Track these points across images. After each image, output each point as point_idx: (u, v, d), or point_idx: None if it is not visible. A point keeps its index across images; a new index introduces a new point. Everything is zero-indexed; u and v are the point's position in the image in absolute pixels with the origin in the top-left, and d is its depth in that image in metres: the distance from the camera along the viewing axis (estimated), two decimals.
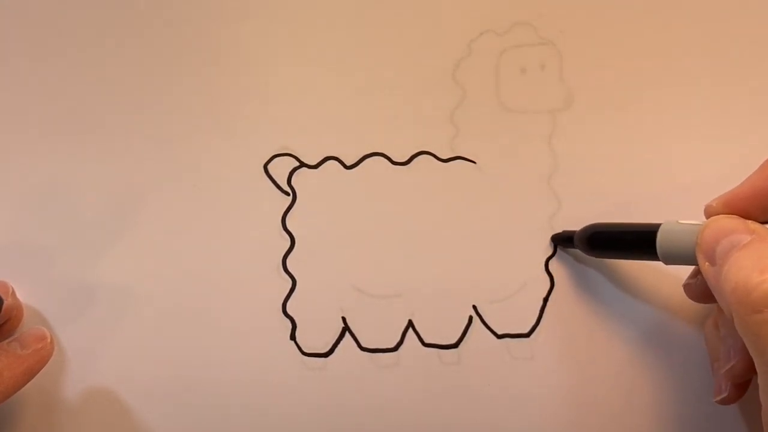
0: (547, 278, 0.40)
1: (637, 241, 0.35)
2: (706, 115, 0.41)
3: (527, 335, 0.40)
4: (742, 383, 0.37)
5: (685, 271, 0.38)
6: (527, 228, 0.41)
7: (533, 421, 0.40)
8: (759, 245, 0.29)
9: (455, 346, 0.40)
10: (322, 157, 0.41)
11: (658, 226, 0.34)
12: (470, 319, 0.40)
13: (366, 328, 0.40)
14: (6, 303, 0.38)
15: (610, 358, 0.40)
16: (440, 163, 0.41)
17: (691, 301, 0.38)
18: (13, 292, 0.39)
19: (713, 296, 0.33)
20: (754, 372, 0.34)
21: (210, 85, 0.41)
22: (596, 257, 0.39)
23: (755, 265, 0.28)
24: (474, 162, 0.41)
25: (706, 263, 0.31)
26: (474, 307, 0.40)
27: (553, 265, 0.40)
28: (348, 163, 0.41)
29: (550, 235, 0.40)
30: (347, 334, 0.40)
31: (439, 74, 0.41)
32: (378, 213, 0.41)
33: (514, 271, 0.41)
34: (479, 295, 0.40)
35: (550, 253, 0.41)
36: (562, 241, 0.40)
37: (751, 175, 0.33)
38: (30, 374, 0.37)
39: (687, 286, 0.38)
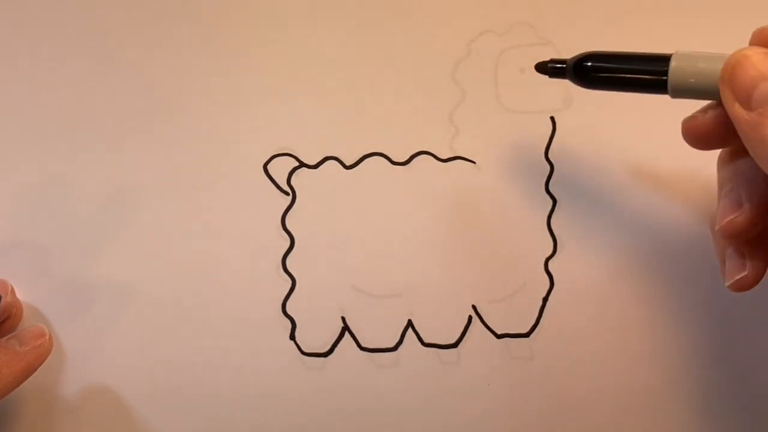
0: (547, 278, 0.40)
1: (643, 66, 0.31)
2: None
3: (527, 335, 0.40)
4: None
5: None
6: (527, 228, 0.41)
7: (533, 421, 0.40)
8: None
9: (455, 345, 0.40)
10: (322, 157, 0.41)
11: (669, 55, 0.30)
12: (470, 318, 0.40)
13: (365, 327, 0.40)
14: (4, 300, 0.38)
15: (610, 358, 0.40)
16: (440, 163, 0.41)
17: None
18: (12, 291, 0.39)
19: (719, 141, 0.30)
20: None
21: (210, 85, 0.41)
22: (589, 88, 0.34)
23: None
24: (474, 162, 0.41)
25: (736, 104, 0.28)
26: (473, 306, 0.40)
27: (553, 265, 0.40)
28: (348, 163, 0.41)
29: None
30: (347, 333, 0.40)
31: (439, 74, 0.41)
32: (378, 213, 0.41)
33: (513, 271, 0.40)
34: (479, 295, 0.40)
35: (549, 252, 0.40)
36: (549, 70, 0.35)
37: None
38: (28, 371, 0.37)
39: (691, 121, 0.32)
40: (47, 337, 0.38)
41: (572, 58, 0.34)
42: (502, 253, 0.41)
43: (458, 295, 0.40)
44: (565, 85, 0.40)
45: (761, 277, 0.32)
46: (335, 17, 0.42)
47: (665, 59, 0.30)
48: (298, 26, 0.41)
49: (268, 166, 0.41)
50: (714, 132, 0.31)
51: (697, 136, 0.32)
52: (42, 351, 0.38)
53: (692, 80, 0.30)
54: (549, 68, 0.35)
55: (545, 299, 0.40)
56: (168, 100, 0.41)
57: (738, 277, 0.32)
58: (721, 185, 0.33)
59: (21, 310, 0.40)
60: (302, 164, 0.41)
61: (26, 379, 0.37)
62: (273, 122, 0.41)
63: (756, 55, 0.28)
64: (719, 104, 0.30)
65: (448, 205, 0.41)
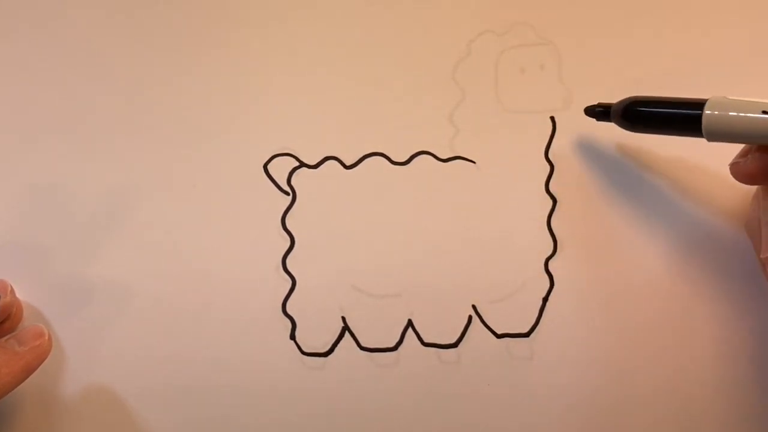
0: (547, 278, 0.40)
1: (680, 114, 0.34)
2: None
3: (527, 335, 0.40)
4: None
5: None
6: (527, 228, 0.41)
7: (532, 421, 0.40)
8: None
9: (455, 345, 0.40)
10: (322, 157, 0.41)
11: (704, 100, 0.33)
12: (470, 318, 0.40)
13: (365, 327, 0.40)
14: (4, 300, 0.38)
15: (610, 358, 0.40)
16: (440, 163, 0.41)
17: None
18: (12, 291, 0.39)
19: (764, 176, 0.33)
20: None
21: (210, 85, 0.41)
22: (633, 131, 0.37)
23: None
24: (473, 162, 0.41)
25: None
26: (473, 306, 0.40)
27: (553, 265, 0.40)
28: (348, 163, 0.41)
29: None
30: (347, 333, 0.40)
31: (439, 74, 0.41)
32: (378, 213, 0.41)
33: (513, 270, 0.40)
34: (479, 295, 0.40)
35: (549, 252, 0.40)
36: (596, 114, 0.39)
37: None
38: (27, 371, 0.37)
39: (735, 165, 0.36)
40: (46, 337, 0.38)
41: (618, 103, 0.37)
42: (502, 253, 0.41)
43: (458, 295, 0.40)
44: (565, 85, 0.41)
45: None
46: (335, 17, 0.42)
47: (699, 104, 0.33)
48: (299, 26, 0.42)
49: (268, 166, 0.41)
50: (760, 173, 0.34)
51: (742, 177, 0.35)
52: (41, 351, 0.38)
53: (725, 128, 0.33)
54: (596, 112, 0.39)
55: (545, 299, 0.40)
56: (168, 100, 0.41)
57: None
58: (764, 212, 0.36)
59: (21, 310, 0.40)
60: (302, 164, 0.41)
61: (25, 379, 0.37)
62: (273, 122, 0.41)
63: None
64: (758, 148, 0.33)
65: (448, 205, 0.41)
